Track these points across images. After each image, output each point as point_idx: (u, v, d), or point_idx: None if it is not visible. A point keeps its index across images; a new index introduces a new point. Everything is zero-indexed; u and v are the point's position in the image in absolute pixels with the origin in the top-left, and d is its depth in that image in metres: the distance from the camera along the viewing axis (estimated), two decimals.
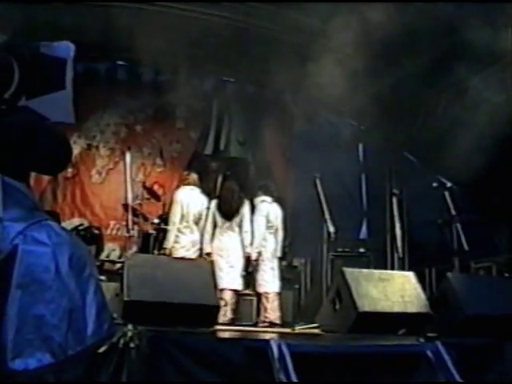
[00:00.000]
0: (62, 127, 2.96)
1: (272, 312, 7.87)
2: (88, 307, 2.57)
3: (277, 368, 3.48)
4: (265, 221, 8.08)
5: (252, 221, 8.04)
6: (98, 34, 7.89)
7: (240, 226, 7.94)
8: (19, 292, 2.39)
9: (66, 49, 2.94)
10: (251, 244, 7.93)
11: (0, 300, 2.36)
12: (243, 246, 7.89)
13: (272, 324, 7.67)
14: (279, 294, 8.06)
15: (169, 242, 7.68)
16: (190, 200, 7.86)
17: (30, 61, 2.69)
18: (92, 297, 2.61)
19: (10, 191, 2.55)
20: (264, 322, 7.77)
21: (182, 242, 7.72)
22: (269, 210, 8.20)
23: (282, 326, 7.62)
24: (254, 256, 7.96)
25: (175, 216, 7.74)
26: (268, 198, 8.28)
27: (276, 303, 7.99)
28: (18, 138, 2.55)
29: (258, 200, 8.29)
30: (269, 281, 8.01)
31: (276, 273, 8.09)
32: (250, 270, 8.07)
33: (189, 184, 8.04)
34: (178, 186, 8.59)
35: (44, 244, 2.52)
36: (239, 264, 7.82)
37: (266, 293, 7.98)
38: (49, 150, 2.70)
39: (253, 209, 8.18)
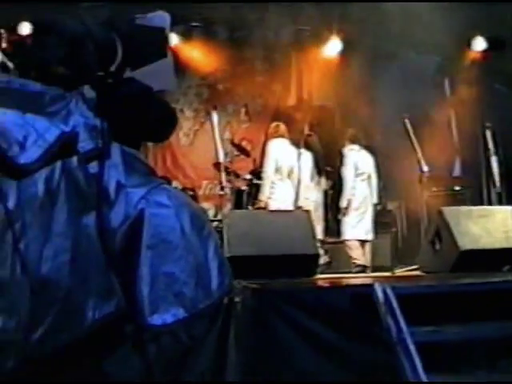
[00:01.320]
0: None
1: (362, 257, 7.92)
2: (211, 263, 2.68)
3: (383, 312, 3.50)
4: (353, 169, 8.09)
5: (341, 171, 8.12)
6: None
7: None
8: (150, 252, 2.52)
9: (162, 18, 3.01)
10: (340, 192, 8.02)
11: (133, 261, 2.50)
12: None
13: (364, 267, 7.72)
14: (367, 241, 8.11)
15: (263, 195, 7.81)
16: (283, 152, 7.94)
17: (129, 33, 2.77)
18: (213, 253, 2.71)
19: (128, 159, 2.67)
20: (355, 267, 7.84)
21: (277, 194, 7.82)
22: (357, 158, 8.18)
23: (380, 270, 7.64)
24: (344, 204, 8.05)
25: (269, 168, 7.84)
26: (356, 146, 8.26)
27: (366, 249, 8.04)
28: (128, 108, 2.65)
29: (345, 150, 8.31)
30: (358, 227, 8.05)
31: (368, 220, 8.10)
32: (340, 217, 8.17)
33: (279, 136, 8.10)
34: (266, 139, 8.64)
35: (166, 206, 2.63)
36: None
37: (355, 239, 8.04)
38: (158, 119, 2.80)
39: (341, 159, 8.21)
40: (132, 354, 2.49)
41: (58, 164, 2.44)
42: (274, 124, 8.42)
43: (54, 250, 2.36)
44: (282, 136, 8.11)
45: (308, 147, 8.29)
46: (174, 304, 2.53)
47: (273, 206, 7.69)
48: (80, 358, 2.41)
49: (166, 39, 3.01)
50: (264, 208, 7.60)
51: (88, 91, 2.64)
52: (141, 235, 2.51)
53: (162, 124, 2.87)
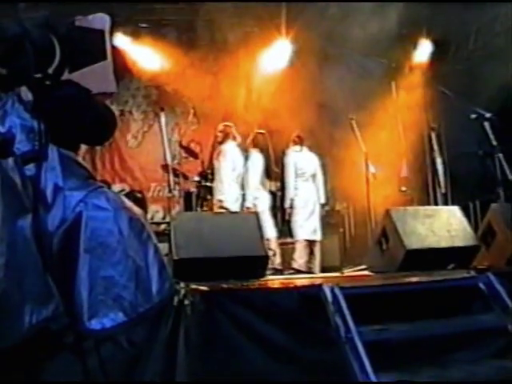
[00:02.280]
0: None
1: (298, 259, 7.98)
2: (150, 267, 2.66)
3: (331, 311, 3.53)
4: (293, 169, 8.17)
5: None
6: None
7: None
8: (88, 256, 2.49)
9: (101, 20, 2.96)
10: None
11: (71, 265, 2.45)
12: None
13: (297, 271, 7.77)
14: (315, 241, 8.16)
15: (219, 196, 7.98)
16: (235, 154, 8.11)
17: (68, 35, 2.72)
18: (153, 257, 2.70)
19: (66, 162, 2.64)
20: (290, 269, 7.89)
21: (226, 195, 7.97)
22: (297, 158, 8.27)
23: (329, 270, 7.70)
24: (287, 204, 8.18)
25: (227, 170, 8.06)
26: (297, 147, 8.35)
27: (315, 249, 8.10)
28: (66, 111, 2.61)
29: (288, 151, 8.44)
30: (305, 227, 8.11)
31: (315, 220, 8.16)
32: (286, 218, 8.25)
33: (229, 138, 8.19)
34: (214, 141, 8.63)
35: (105, 209, 2.61)
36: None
37: (296, 240, 8.12)
38: (96, 121, 2.77)
39: (283, 159, 8.36)
40: (72, 363, 2.44)
41: None
42: (222, 125, 8.43)
43: None
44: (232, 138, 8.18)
45: (257, 146, 8.33)
46: (113, 308, 2.50)
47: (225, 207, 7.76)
48: (17, 364, 2.35)
49: (105, 41, 2.96)
50: (226, 209, 7.62)
51: (25, 93, 2.59)
52: (79, 238, 2.48)
53: (100, 127, 2.85)
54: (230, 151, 8.06)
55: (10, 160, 2.41)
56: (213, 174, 8.35)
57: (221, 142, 8.27)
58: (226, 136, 8.19)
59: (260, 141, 8.43)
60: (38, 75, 2.58)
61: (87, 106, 2.72)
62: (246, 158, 8.17)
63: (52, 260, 2.39)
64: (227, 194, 7.85)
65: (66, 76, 2.71)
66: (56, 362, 2.44)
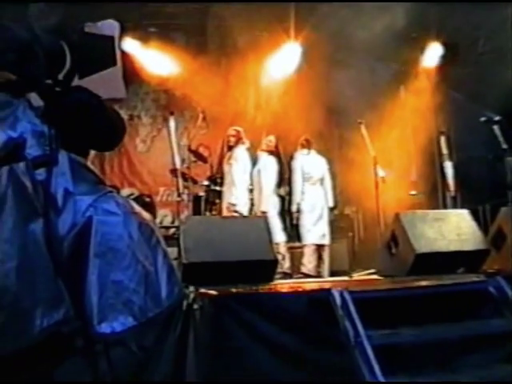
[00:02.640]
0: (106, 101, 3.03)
1: (307, 264, 7.96)
2: (160, 272, 2.67)
3: (340, 315, 3.53)
4: (300, 173, 8.17)
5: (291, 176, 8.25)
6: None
7: None
8: (97, 260, 2.50)
9: (111, 27, 2.98)
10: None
11: (81, 269, 2.46)
12: None
13: (306, 276, 7.76)
14: (324, 245, 8.15)
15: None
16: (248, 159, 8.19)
17: (78, 41, 2.74)
18: (162, 262, 2.70)
19: (76, 167, 2.65)
20: (298, 273, 7.89)
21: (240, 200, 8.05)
22: (304, 162, 8.26)
23: (337, 274, 7.69)
24: (294, 208, 8.20)
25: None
26: (305, 151, 8.35)
27: (324, 254, 8.09)
28: (76, 116, 2.63)
29: (295, 154, 8.45)
30: (313, 231, 8.10)
31: (323, 224, 8.16)
32: (294, 222, 8.26)
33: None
34: (223, 147, 8.66)
35: (115, 214, 2.62)
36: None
37: (312, 244, 8.10)
38: (105, 127, 2.78)
39: (291, 163, 8.38)
40: (82, 366, 2.45)
41: (5, 170, 2.39)
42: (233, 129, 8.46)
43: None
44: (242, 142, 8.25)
45: (269, 150, 8.35)
46: (122, 312, 2.51)
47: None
48: (27, 367, 2.36)
49: (114, 47, 2.98)
50: (238, 213, 7.65)
51: (35, 99, 2.61)
52: (89, 243, 2.49)
53: (110, 133, 2.86)
54: (242, 155, 8.08)
55: (22, 164, 2.43)
56: (222, 178, 8.37)
57: (233, 146, 8.28)
58: (239, 140, 8.21)
59: (272, 145, 8.44)
60: (49, 81, 2.60)
61: (97, 112, 2.73)
62: (255, 163, 8.19)
63: (63, 264, 2.40)
64: (240, 198, 7.87)
65: (75, 82, 2.73)
66: (66, 365, 2.44)
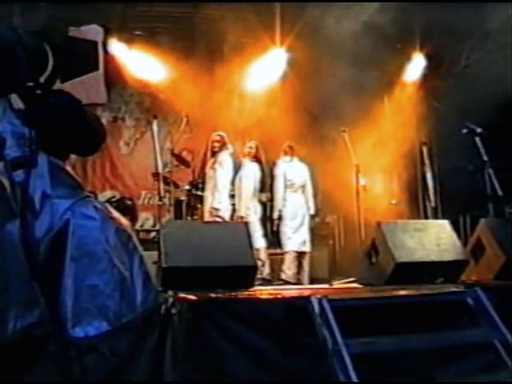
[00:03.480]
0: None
1: (287, 270, 7.97)
2: (135, 277, 2.67)
3: (319, 323, 3.52)
4: (282, 180, 8.19)
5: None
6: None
7: None
8: (73, 264, 2.49)
9: (95, 32, 2.97)
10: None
11: (57, 272, 2.44)
12: None
13: (286, 282, 7.77)
14: (299, 252, 8.17)
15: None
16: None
17: (62, 44, 2.72)
18: (138, 268, 2.70)
19: (55, 170, 2.64)
20: (278, 280, 7.89)
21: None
22: (286, 168, 8.28)
23: (318, 282, 7.69)
24: (275, 215, 8.23)
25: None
26: (287, 158, 8.37)
27: (304, 261, 8.10)
28: (56, 120, 2.61)
29: (278, 161, 8.46)
30: (293, 239, 8.11)
31: (304, 231, 8.16)
32: (274, 229, 8.27)
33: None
34: (206, 152, 8.65)
35: (92, 218, 2.62)
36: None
37: (286, 252, 8.14)
38: (86, 132, 2.77)
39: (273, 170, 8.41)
40: (54, 371, 2.42)
41: None
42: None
43: None
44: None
45: (252, 156, 8.34)
46: (97, 317, 2.50)
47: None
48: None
49: (98, 52, 2.96)
50: (221, 218, 7.65)
51: (15, 100, 2.59)
52: (65, 246, 2.48)
53: (89, 138, 2.84)
54: (226, 160, 8.08)
55: (0, 165, 2.41)
56: (203, 183, 8.35)
57: (217, 152, 8.26)
58: (223, 145, 8.21)
59: (253, 151, 8.44)
60: (30, 84, 2.57)
61: (78, 117, 2.71)
62: (238, 168, 8.20)
63: (38, 267, 2.38)
64: (223, 203, 7.86)
65: (57, 86, 2.71)
66: (37, 369, 2.42)
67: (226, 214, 7.84)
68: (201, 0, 8.85)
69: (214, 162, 8.22)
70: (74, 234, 2.51)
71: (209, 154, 8.51)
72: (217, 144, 8.27)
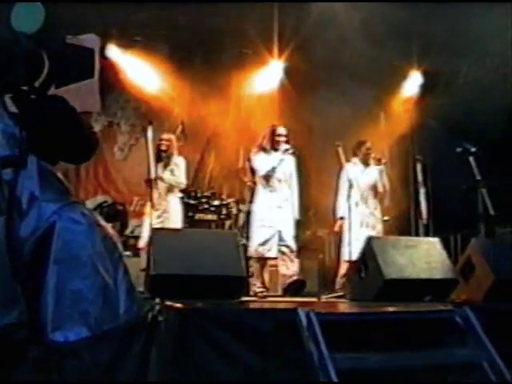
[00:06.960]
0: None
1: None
2: (119, 286, 2.65)
3: (306, 336, 3.50)
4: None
5: None
6: None
7: None
8: (57, 267, 2.47)
9: (92, 41, 2.97)
10: None
11: (40, 274, 2.42)
12: None
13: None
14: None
15: None
16: None
17: (58, 51, 2.72)
18: (122, 277, 2.69)
19: (44, 174, 2.63)
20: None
21: None
22: None
23: (306, 295, 7.63)
24: None
25: None
26: None
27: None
28: (50, 124, 2.60)
29: None
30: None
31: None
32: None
33: None
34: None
35: (79, 223, 2.61)
36: None
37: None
38: (76, 139, 2.76)
39: None
40: (32, 377, 2.39)
41: None
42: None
43: None
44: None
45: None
46: (78, 322, 2.48)
47: None
48: None
49: (94, 60, 2.96)
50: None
51: (9, 101, 2.58)
52: (50, 248, 2.46)
53: (81, 145, 2.83)
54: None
55: None
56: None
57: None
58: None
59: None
60: (25, 88, 2.57)
61: (71, 122, 2.71)
62: None
63: (21, 267, 2.36)
64: None
65: (52, 91, 2.70)
66: (15, 374, 2.39)
67: None
68: (201, 0, 8.83)
69: None
70: (60, 236, 2.49)
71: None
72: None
